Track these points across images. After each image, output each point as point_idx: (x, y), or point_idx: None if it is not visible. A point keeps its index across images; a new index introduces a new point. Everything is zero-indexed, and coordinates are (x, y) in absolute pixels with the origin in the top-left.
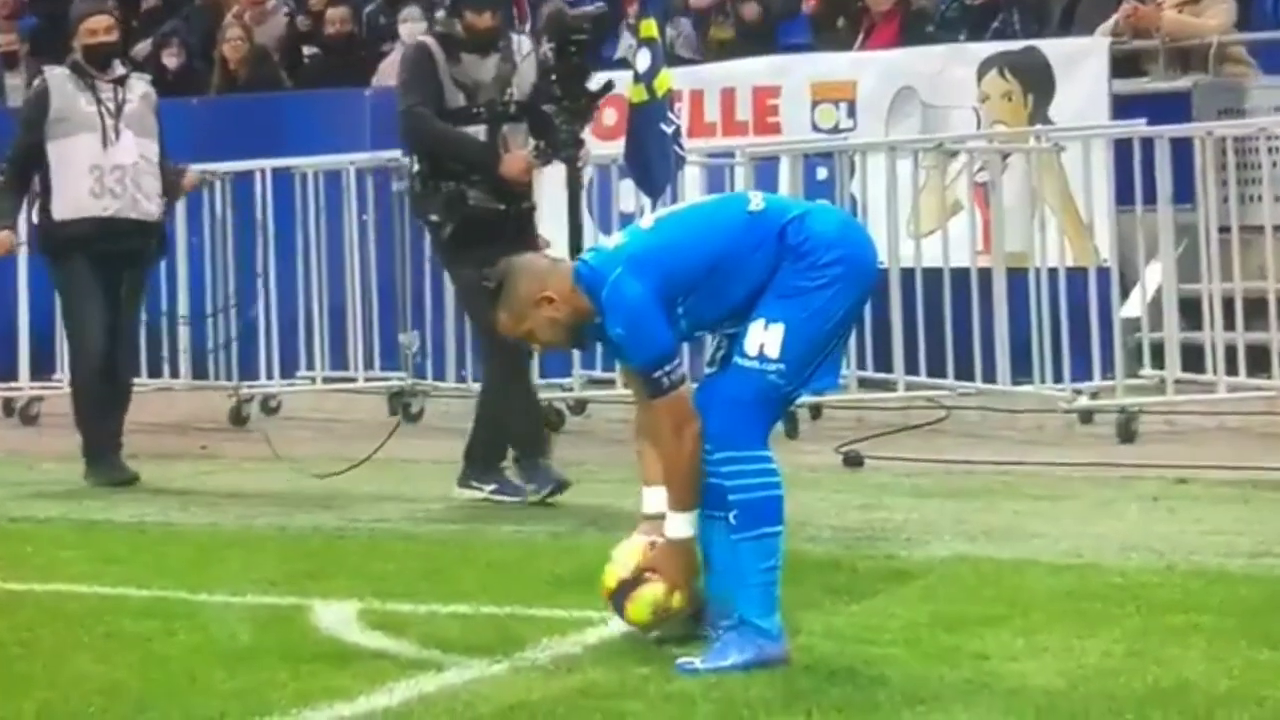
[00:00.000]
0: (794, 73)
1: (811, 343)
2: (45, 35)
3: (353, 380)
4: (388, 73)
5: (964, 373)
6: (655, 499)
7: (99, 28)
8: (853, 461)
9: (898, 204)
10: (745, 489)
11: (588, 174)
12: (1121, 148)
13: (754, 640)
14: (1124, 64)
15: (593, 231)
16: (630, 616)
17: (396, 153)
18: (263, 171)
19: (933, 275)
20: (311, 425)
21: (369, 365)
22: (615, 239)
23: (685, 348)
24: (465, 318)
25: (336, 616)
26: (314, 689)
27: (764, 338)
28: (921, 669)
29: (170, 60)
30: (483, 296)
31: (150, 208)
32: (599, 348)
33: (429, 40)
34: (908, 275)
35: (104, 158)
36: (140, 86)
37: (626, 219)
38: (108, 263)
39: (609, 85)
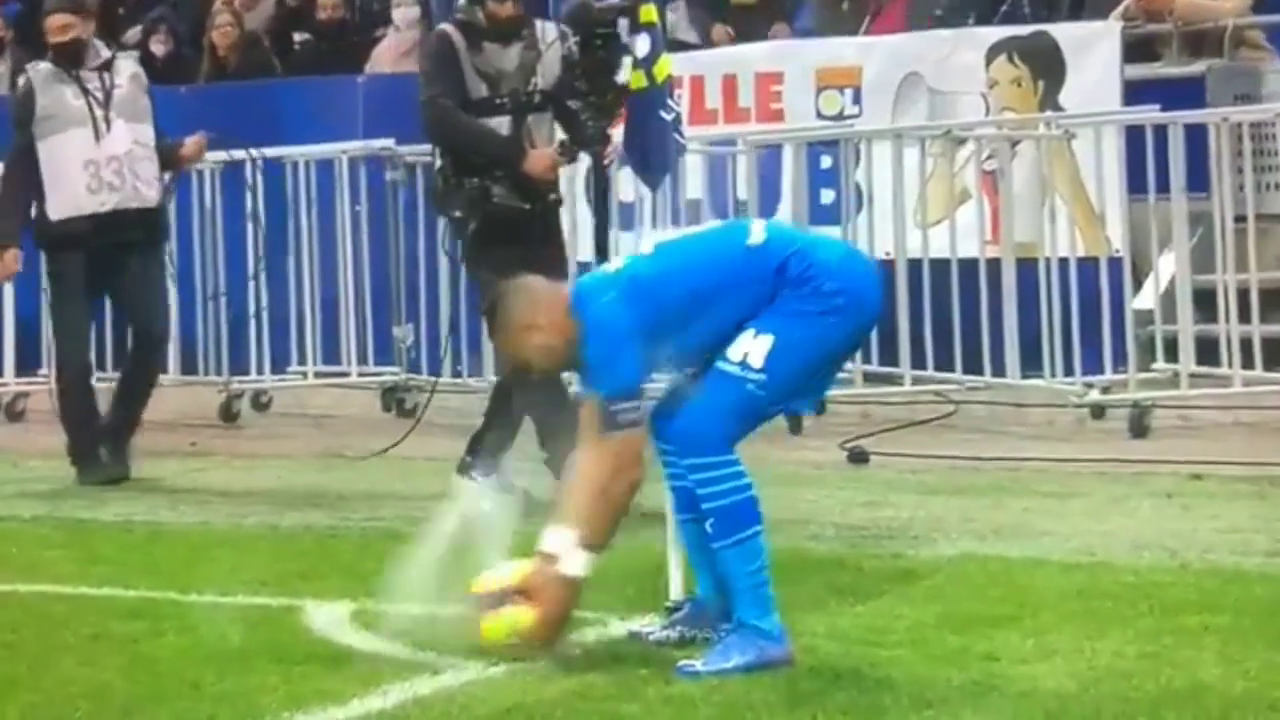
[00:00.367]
0: (798, 58)
1: (799, 364)
2: (29, 21)
3: (346, 375)
4: (381, 59)
5: (972, 366)
6: (557, 540)
7: (54, 26)
8: (858, 458)
9: (904, 193)
10: (717, 495)
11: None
12: (1134, 134)
13: (755, 642)
14: (1137, 48)
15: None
16: (485, 631)
17: (390, 141)
18: (253, 160)
19: (940, 266)
20: (304, 421)
21: (362, 360)
22: (616, 263)
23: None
24: (463, 313)
25: (329, 617)
26: (306, 691)
27: (750, 346)
28: (928, 671)
29: (158, 48)
30: None
31: (150, 194)
32: None
33: (450, 28)
34: (914, 266)
35: (97, 151)
36: (128, 67)
37: (625, 209)
38: (108, 256)
39: None
